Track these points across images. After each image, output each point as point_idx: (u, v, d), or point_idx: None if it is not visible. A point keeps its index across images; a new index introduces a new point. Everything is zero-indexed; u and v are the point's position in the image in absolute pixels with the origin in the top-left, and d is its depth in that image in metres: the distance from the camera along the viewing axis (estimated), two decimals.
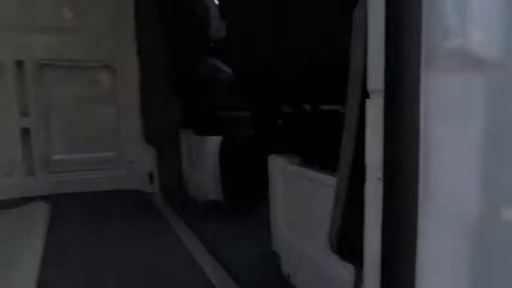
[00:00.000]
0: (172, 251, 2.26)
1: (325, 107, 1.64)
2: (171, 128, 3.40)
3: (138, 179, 3.59)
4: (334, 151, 1.10)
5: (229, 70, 2.42)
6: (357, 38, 0.97)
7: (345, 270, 1.22)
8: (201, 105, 3.10)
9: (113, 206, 3.09)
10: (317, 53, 1.41)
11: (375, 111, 0.88)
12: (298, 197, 1.65)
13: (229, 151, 2.73)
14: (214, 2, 2.38)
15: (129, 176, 3.61)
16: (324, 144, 1.47)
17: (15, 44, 3.26)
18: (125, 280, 1.90)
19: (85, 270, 2.00)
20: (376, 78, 0.86)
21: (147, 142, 3.56)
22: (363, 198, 0.93)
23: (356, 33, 0.98)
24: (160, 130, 3.48)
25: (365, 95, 0.92)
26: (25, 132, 3.35)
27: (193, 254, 2.19)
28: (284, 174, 1.71)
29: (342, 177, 1.08)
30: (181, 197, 3.22)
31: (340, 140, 1.08)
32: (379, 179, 0.85)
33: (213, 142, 2.77)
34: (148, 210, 3.07)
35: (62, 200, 3.16)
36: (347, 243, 1.11)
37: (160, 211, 3.03)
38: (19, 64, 3.28)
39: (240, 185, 2.66)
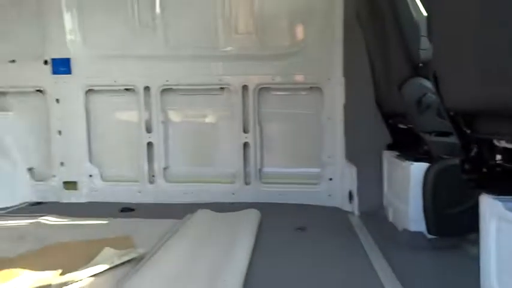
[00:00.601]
0: (361, 276, 2.23)
1: None
2: (374, 148, 3.34)
3: (337, 196, 3.67)
4: None
5: (436, 93, 2.21)
6: None
7: None
8: (406, 127, 2.94)
9: (312, 221, 3.24)
10: None
11: None
12: None
13: (436, 180, 2.48)
14: (424, 20, 2.23)
15: (328, 193, 3.73)
16: None
17: (240, 72, 3.84)
18: None
19: (283, 272, 2.28)
20: None
21: (348, 161, 3.60)
22: None
23: None
24: (363, 150, 3.46)
25: None
26: (246, 146, 3.90)
27: (384, 284, 2.10)
28: (499, 220, 1.44)
29: None
30: (380, 221, 3.11)
31: None
32: None
33: (418, 168, 2.57)
34: (344, 230, 3.10)
35: (269, 209, 3.53)
36: None
37: (356, 232, 3.01)
38: (245, 87, 3.85)
39: (447, 220, 2.38)
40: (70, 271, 2.13)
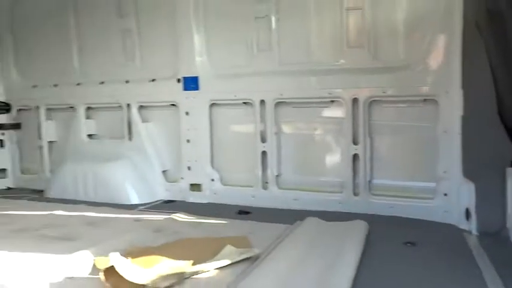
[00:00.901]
0: None
1: None
2: (495, 164, 3.15)
3: (453, 213, 3.52)
4: None
5: None
6: None
7: None
8: None
9: (423, 236, 3.18)
10: None
11: None
12: None
13: None
14: None
15: (442, 209, 3.60)
16: None
17: (351, 85, 3.93)
18: None
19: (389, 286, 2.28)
20: None
21: (465, 176, 3.43)
22: None
23: None
24: (483, 165, 3.28)
25: None
26: (355, 157, 3.98)
27: None
28: None
29: None
30: (501, 243, 2.92)
31: None
32: None
33: None
34: (459, 249, 2.97)
35: (378, 221, 3.55)
36: None
37: (472, 253, 2.87)
38: (355, 100, 3.94)
39: None
40: (199, 262, 2.51)
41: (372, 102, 3.91)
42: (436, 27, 3.61)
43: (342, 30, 3.99)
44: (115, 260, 2.28)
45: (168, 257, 2.58)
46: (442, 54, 3.56)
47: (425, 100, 3.73)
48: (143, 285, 2.21)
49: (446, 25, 3.51)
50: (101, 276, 2.29)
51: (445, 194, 3.61)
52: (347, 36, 3.99)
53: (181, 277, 2.36)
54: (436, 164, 3.68)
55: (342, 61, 4.03)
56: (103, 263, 2.47)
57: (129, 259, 2.41)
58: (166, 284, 2.25)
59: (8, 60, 5.52)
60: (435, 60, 3.61)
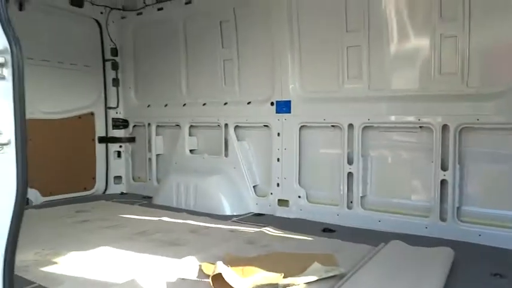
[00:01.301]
0: None
1: None
2: None
3: None
4: None
5: None
6: None
7: None
8: None
9: None
10: None
11: None
12: None
13: None
14: None
15: None
16: None
17: (441, 112, 3.98)
18: None
19: None
20: None
21: None
22: None
23: None
24: None
25: None
26: (443, 183, 4.00)
27: None
28: None
29: None
30: None
31: None
32: None
33: None
34: None
35: (465, 249, 3.55)
36: None
37: None
38: (445, 127, 3.97)
39: None
40: (289, 276, 2.83)
41: (462, 129, 3.91)
42: None
43: (434, 57, 4.06)
44: (221, 268, 2.71)
45: (262, 268, 2.94)
46: None
47: None
48: None
49: None
50: (210, 281, 2.73)
51: None
52: (439, 62, 4.05)
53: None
54: None
55: (433, 87, 4.09)
56: (209, 268, 2.93)
57: (229, 267, 2.83)
58: None
59: (129, 83, 6.45)
60: None
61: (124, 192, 6.53)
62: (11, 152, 2.04)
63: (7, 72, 2.05)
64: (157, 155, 6.26)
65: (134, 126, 6.52)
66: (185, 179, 5.46)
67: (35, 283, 2.91)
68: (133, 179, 6.57)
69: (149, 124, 6.25)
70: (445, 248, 3.49)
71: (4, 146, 2.03)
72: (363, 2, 4.35)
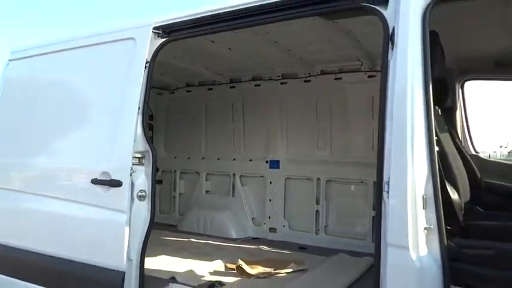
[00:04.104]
0: None
1: None
2: None
3: None
4: None
5: None
6: None
7: None
8: None
9: None
10: None
11: None
12: None
13: None
14: None
15: None
16: None
17: None
18: None
19: None
20: None
21: None
22: None
23: None
24: None
25: None
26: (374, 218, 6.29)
27: None
28: None
29: None
30: None
31: None
32: None
33: None
34: None
35: None
36: None
37: None
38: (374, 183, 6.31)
39: None
40: (277, 269, 5.05)
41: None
42: None
43: (373, 136, 6.45)
44: (242, 262, 4.94)
45: (263, 266, 5.16)
46: None
47: None
48: (252, 274, 4.83)
49: None
50: (235, 269, 4.94)
51: None
52: (372, 141, 6.46)
53: (268, 275, 4.93)
54: None
55: (370, 157, 6.46)
56: (232, 265, 5.14)
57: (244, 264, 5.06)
58: (262, 276, 4.84)
59: (160, 139, 8.67)
60: None
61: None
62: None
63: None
64: (180, 194, 8.45)
65: (162, 171, 8.73)
66: (204, 212, 7.62)
67: None
68: (159, 211, 8.71)
69: (175, 171, 8.47)
70: (369, 257, 5.72)
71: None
72: (327, 101, 6.77)
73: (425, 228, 2.74)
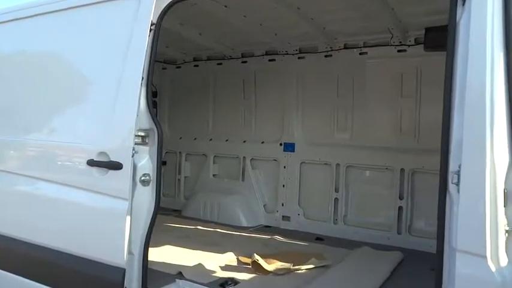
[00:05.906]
0: None
1: None
2: None
3: None
4: None
5: None
6: None
7: None
8: None
9: None
10: None
11: None
12: None
13: None
14: None
15: None
16: None
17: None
18: None
19: None
20: None
21: None
22: None
23: None
24: None
25: None
26: (400, 208, 5.73)
27: None
28: None
29: None
30: None
31: None
32: None
33: None
34: None
35: (415, 254, 5.24)
36: None
37: None
38: (402, 170, 5.72)
39: None
40: (296, 265, 4.51)
41: (414, 172, 5.67)
42: None
43: (397, 120, 5.83)
44: (257, 257, 4.39)
45: (279, 260, 4.61)
46: None
47: None
48: (269, 271, 4.28)
49: None
50: (250, 264, 4.39)
51: None
52: (400, 124, 5.83)
53: (288, 271, 4.38)
54: None
55: (395, 141, 5.85)
56: (245, 259, 4.59)
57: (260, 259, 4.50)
58: (280, 272, 4.30)
59: (164, 118, 8.07)
60: None
61: None
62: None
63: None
64: (185, 177, 7.89)
65: (166, 152, 8.14)
66: (210, 197, 7.08)
67: None
68: (163, 195, 8.16)
69: (180, 152, 7.88)
70: (397, 252, 5.19)
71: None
72: (349, 78, 6.13)
73: (506, 232, 2.12)
